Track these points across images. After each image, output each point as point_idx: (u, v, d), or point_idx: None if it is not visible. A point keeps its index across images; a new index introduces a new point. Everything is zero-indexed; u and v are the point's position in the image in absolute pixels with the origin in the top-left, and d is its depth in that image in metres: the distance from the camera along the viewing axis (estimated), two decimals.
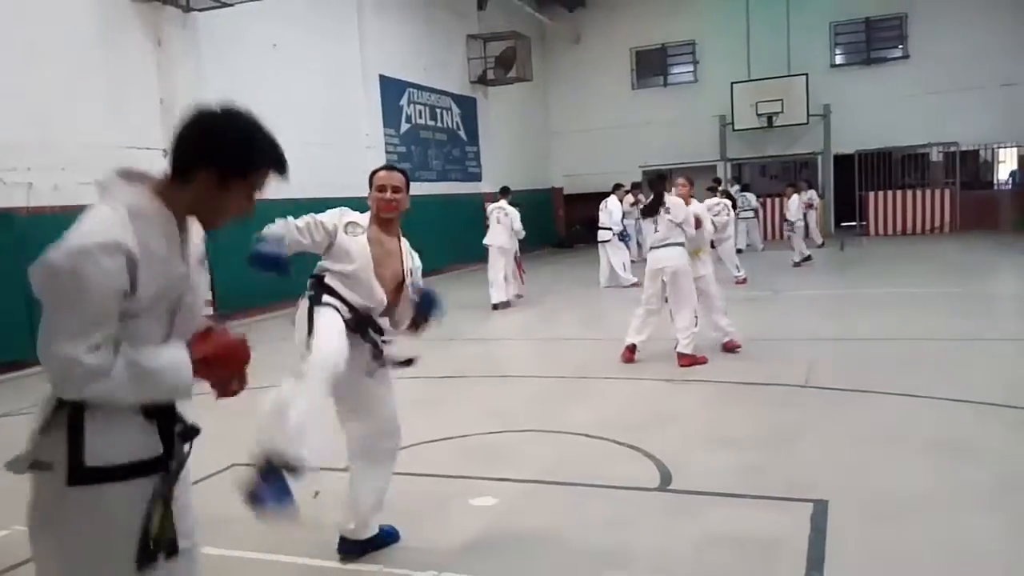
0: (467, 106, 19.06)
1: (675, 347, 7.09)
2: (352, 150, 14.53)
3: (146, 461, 1.83)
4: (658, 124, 21.68)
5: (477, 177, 19.35)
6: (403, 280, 3.58)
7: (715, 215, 9.78)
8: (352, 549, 3.55)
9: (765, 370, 6.71)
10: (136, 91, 10.30)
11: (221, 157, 1.87)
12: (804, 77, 20.03)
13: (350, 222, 3.58)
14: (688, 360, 7.01)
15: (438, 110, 17.82)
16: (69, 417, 1.77)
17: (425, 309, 3.62)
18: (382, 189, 3.65)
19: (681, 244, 7.14)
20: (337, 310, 3.37)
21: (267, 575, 3.50)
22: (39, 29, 9.08)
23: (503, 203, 12.09)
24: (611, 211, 13.24)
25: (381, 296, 3.47)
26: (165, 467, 1.85)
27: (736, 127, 20.86)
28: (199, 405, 1.96)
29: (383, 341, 3.51)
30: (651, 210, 7.30)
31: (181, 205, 1.87)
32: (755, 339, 7.81)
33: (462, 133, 18.88)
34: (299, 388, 3.08)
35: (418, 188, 17.59)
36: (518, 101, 21.13)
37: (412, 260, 3.69)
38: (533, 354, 8.09)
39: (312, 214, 3.57)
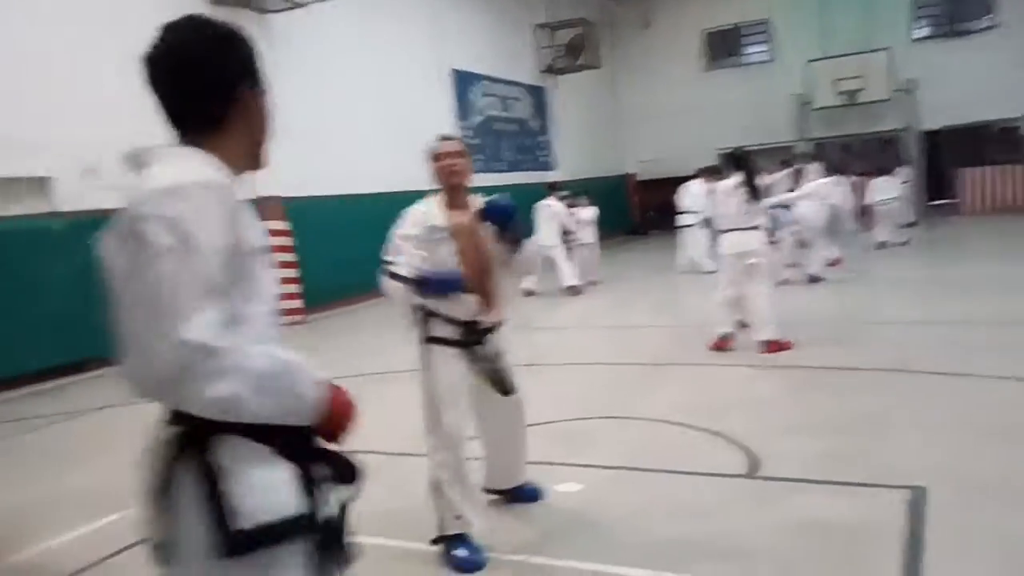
0: (537, 95, 19.07)
1: (754, 334, 6.96)
2: (426, 144, 14.70)
3: (289, 520, 1.36)
4: (733, 106, 21.21)
5: (548, 166, 19.35)
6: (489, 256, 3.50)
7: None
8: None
9: (855, 354, 6.53)
10: None
11: (249, 69, 1.50)
12: (884, 52, 19.29)
13: (430, 226, 3.42)
14: (774, 346, 6.85)
15: (509, 101, 17.88)
16: (198, 462, 1.34)
17: (501, 221, 3.39)
18: (441, 158, 3.56)
19: (757, 227, 7.00)
20: (446, 342, 3.43)
21: (371, 557, 3.60)
22: (131, 38, 9.47)
23: (550, 200, 12.01)
24: (694, 195, 12.88)
25: (475, 307, 3.44)
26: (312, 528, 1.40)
27: (815, 106, 20.25)
28: None
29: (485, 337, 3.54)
30: (755, 191, 6.96)
31: (229, 161, 1.48)
32: (843, 321, 7.61)
33: (533, 123, 18.90)
34: (442, 465, 3.42)
35: (490, 179, 17.77)
36: (588, 89, 21.00)
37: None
38: (609, 341, 8.07)
39: (402, 235, 3.43)
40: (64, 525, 4.23)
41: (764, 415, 5.21)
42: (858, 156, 22.01)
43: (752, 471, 4.23)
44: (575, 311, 10.24)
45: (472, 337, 3.45)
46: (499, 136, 17.38)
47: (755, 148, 20.15)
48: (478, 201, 3.50)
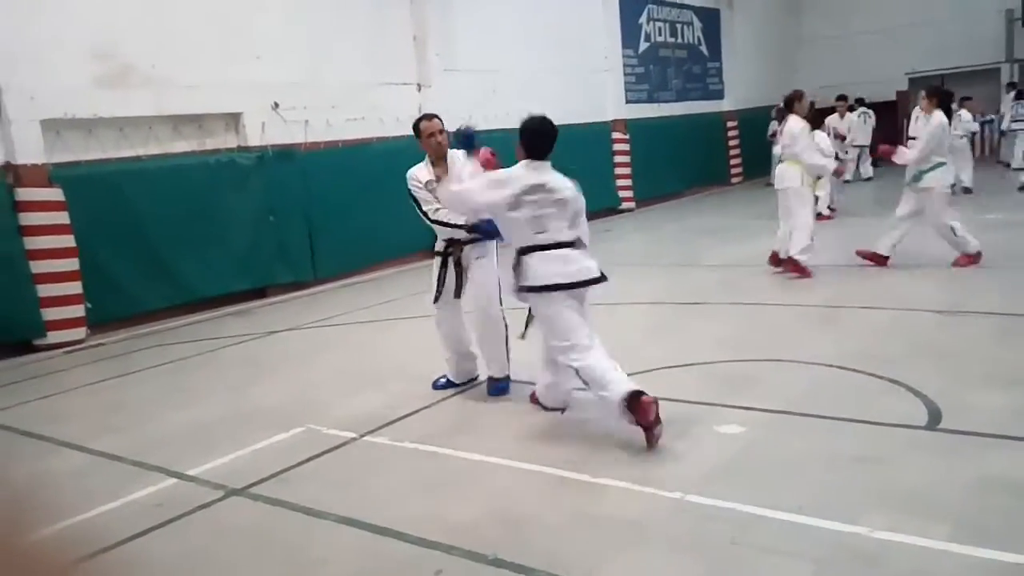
0: (710, 19, 18.12)
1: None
2: (591, 74, 14.44)
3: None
4: (928, 24, 19.18)
5: (719, 95, 18.48)
6: None
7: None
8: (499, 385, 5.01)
9: None
10: (391, 30, 10.91)
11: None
12: None
13: (427, 181, 4.87)
14: (964, 260, 7.33)
15: (679, 25, 17.12)
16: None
17: (467, 144, 4.71)
18: (431, 135, 4.89)
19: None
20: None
21: (517, 480, 3.72)
22: None
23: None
24: (967, 126, 11.93)
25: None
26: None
27: None
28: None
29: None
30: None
31: None
32: None
33: (704, 48, 18.03)
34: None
35: (655, 110, 17.30)
36: (766, 10, 19.74)
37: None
38: (777, 281, 7.70)
39: (421, 192, 4.91)
40: (245, 438, 4.65)
41: (951, 364, 4.82)
42: None
43: (934, 423, 3.94)
44: (741, 250, 9.85)
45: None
46: (666, 63, 16.72)
47: (951, 72, 18.39)
48: (453, 155, 4.85)
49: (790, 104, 7.90)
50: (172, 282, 8.43)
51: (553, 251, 4.13)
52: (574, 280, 4.13)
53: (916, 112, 8.13)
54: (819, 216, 9.45)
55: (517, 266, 4.18)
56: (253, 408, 5.22)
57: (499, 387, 5.02)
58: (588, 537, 3.11)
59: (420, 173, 4.91)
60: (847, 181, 13.74)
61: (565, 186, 4.22)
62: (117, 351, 7.38)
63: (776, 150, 10.38)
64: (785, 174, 7.78)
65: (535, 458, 3.93)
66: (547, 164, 4.26)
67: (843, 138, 13.48)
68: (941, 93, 7.75)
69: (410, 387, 5.28)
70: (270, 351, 7.00)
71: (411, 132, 5.07)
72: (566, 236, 4.19)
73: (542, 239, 4.13)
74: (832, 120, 13.23)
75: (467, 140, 4.73)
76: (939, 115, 7.41)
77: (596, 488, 3.54)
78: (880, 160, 11.27)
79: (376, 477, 3.95)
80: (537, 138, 4.23)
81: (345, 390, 5.43)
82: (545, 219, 4.13)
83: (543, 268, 4.10)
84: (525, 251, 4.16)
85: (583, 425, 4.34)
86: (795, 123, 7.71)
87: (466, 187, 4.36)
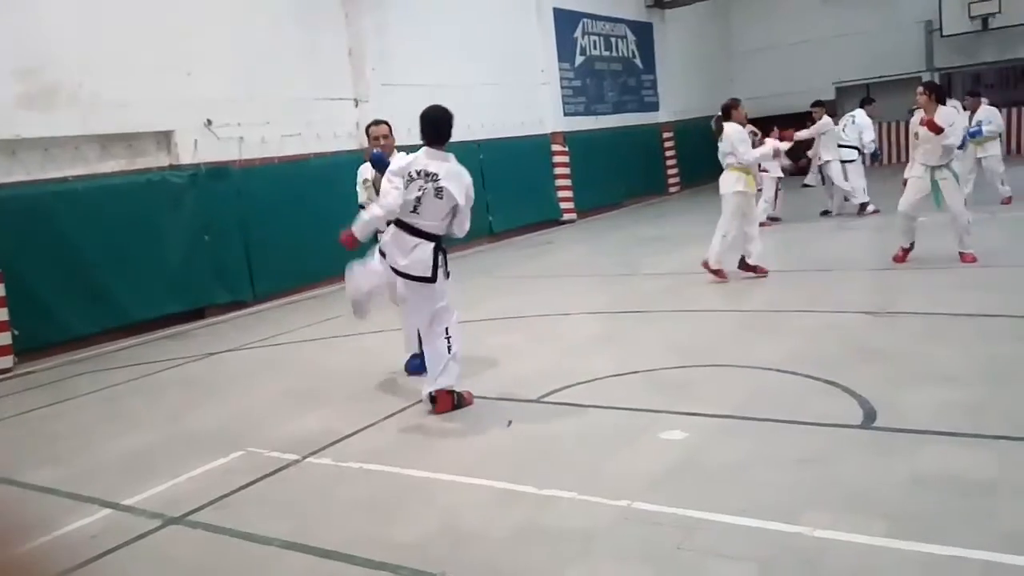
0: (643, 32, 18.44)
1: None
2: (528, 88, 14.54)
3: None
4: (854, 35, 19.86)
5: (654, 107, 18.79)
6: None
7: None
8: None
9: (993, 299, 6.12)
10: (326, 45, 10.81)
11: None
12: None
13: (364, 180, 5.68)
14: (970, 257, 7.52)
15: (613, 39, 17.38)
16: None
17: (380, 167, 5.06)
18: (377, 138, 5.62)
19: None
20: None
21: (463, 495, 3.70)
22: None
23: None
24: (860, 127, 11.80)
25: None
26: None
27: (944, 32, 18.76)
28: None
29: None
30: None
31: None
32: (985, 265, 7.16)
33: (638, 61, 18.33)
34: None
35: (593, 122, 17.51)
36: (698, 22, 20.16)
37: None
38: (717, 288, 7.85)
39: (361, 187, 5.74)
40: (182, 464, 4.52)
41: (884, 364, 4.96)
42: (990, 87, 20.35)
43: (869, 421, 4.05)
44: (680, 258, 10.01)
45: None
46: (602, 76, 16.94)
47: (877, 81, 19.06)
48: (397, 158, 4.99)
49: (727, 112, 8.07)
50: (105, 306, 8.16)
51: (406, 235, 4.64)
52: (400, 271, 4.71)
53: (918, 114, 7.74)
54: (763, 223, 9.69)
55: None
56: (191, 433, 5.08)
57: (413, 364, 5.62)
58: (536, 550, 3.11)
59: (365, 170, 5.68)
60: (807, 185, 13.96)
61: (454, 176, 4.64)
62: (48, 379, 7.10)
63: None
64: (726, 180, 7.94)
65: (480, 472, 3.91)
66: (446, 153, 4.70)
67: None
68: (938, 89, 7.85)
69: (354, 406, 5.21)
70: (209, 374, 6.83)
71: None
72: (432, 227, 4.65)
73: (411, 220, 4.63)
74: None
75: (379, 164, 5.16)
76: (945, 108, 7.64)
77: (542, 500, 3.54)
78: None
79: (320, 499, 3.88)
80: (429, 125, 4.70)
81: (287, 411, 5.32)
82: (423, 203, 4.60)
83: (391, 245, 4.69)
84: (394, 222, 4.69)
85: (528, 438, 4.35)
86: (734, 129, 7.88)
87: (381, 203, 4.67)
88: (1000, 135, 11.40)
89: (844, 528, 2.98)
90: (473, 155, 12.72)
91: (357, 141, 10.35)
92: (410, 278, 4.69)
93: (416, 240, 4.63)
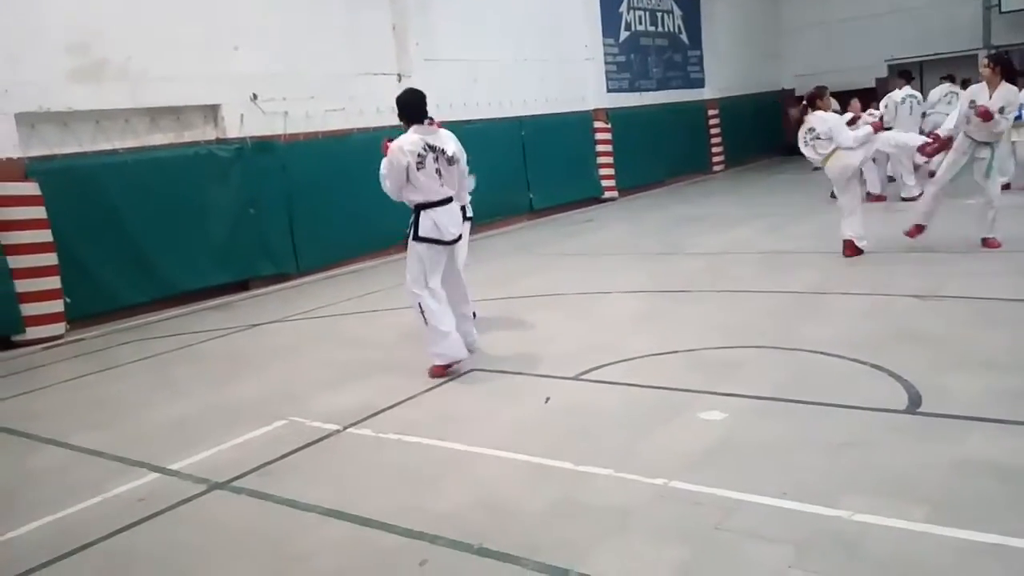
0: (690, 7, 18.11)
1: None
2: (571, 63, 14.40)
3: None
4: (907, 11, 19.27)
5: (700, 83, 18.49)
6: None
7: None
8: None
9: None
10: (370, 20, 10.82)
11: None
12: None
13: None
14: (994, 243, 7.37)
15: (659, 14, 17.10)
16: None
17: None
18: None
19: None
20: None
21: (501, 469, 3.73)
22: None
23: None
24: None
25: None
26: None
27: (1003, 8, 18.09)
28: None
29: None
30: None
31: None
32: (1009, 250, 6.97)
33: (684, 36, 18.03)
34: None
35: (637, 99, 17.30)
36: None
37: None
38: (763, 268, 7.74)
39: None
40: (226, 432, 4.62)
41: (931, 348, 4.86)
42: None
43: (914, 406, 3.98)
44: (725, 238, 9.89)
45: None
46: (647, 52, 16.70)
47: (929, 59, 18.49)
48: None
49: (812, 101, 7.89)
50: (152, 276, 8.35)
51: (445, 206, 5.10)
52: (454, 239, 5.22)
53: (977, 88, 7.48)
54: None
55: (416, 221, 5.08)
56: (235, 402, 5.19)
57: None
58: (572, 525, 3.12)
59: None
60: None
61: (451, 139, 5.15)
62: (97, 346, 7.31)
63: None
64: (834, 165, 7.78)
65: (518, 447, 3.94)
66: (432, 128, 5.07)
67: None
68: (1008, 63, 7.49)
69: (394, 379, 5.27)
70: (252, 344, 6.96)
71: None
72: (453, 195, 5.18)
73: (441, 193, 5.06)
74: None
75: None
76: (1010, 87, 7.37)
77: (579, 476, 3.55)
78: None
79: (360, 469, 3.95)
80: (410, 107, 5.07)
81: (328, 382, 5.41)
82: (443, 175, 5.05)
83: (444, 220, 5.10)
84: (425, 206, 5.05)
85: (565, 414, 4.36)
86: (828, 115, 7.79)
87: (385, 188, 5.19)
88: None
89: (884, 513, 2.94)
90: (514, 131, 12.73)
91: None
92: (457, 240, 5.28)
93: (452, 205, 5.18)
